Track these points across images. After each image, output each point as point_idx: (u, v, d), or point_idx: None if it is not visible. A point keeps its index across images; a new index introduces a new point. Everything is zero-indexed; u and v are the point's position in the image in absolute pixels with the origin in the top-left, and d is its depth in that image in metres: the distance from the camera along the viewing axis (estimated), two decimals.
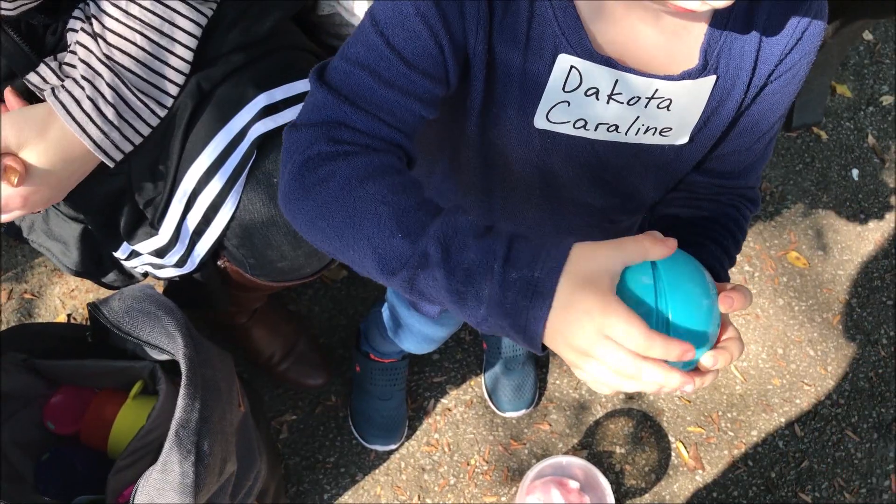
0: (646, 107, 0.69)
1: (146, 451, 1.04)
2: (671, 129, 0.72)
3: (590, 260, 0.56)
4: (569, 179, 0.77)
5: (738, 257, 1.71)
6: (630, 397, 1.60)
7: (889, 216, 1.85)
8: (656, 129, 0.71)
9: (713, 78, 0.68)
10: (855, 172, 1.89)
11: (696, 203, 0.79)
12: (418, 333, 1.19)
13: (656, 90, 0.68)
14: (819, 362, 1.67)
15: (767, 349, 1.67)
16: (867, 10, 1.66)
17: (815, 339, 1.69)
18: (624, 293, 0.57)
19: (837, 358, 1.68)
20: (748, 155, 0.77)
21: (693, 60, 0.68)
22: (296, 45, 1.00)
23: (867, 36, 2.08)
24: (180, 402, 0.91)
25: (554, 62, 0.66)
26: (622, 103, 0.68)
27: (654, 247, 0.57)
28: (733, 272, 1.73)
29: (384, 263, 0.59)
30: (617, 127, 0.71)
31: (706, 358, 0.59)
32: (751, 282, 1.73)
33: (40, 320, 1.54)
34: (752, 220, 1.66)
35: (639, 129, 0.71)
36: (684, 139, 0.73)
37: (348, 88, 0.64)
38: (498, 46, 0.66)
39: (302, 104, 0.68)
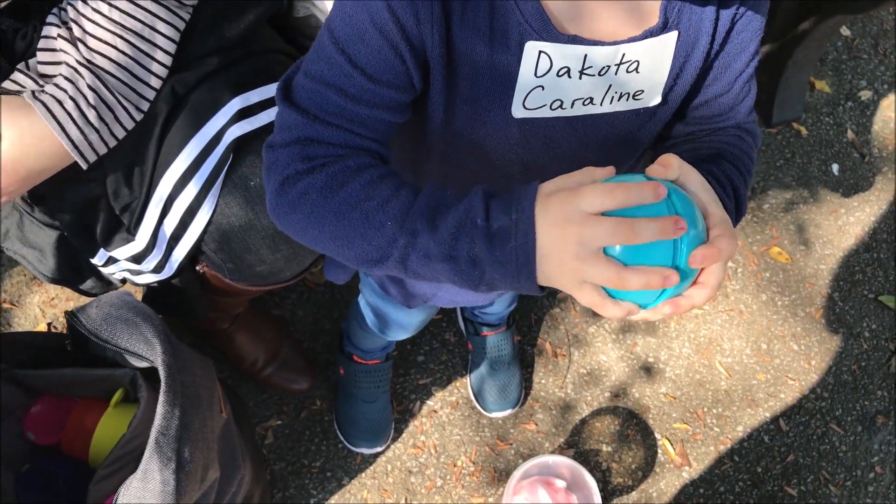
0: (616, 73, 0.69)
1: (128, 460, 1.03)
2: (643, 91, 0.72)
3: (557, 186, 0.60)
4: (548, 163, 0.77)
5: None
6: (615, 395, 1.60)
7: (869, 210, 1.86)
8: (629, 94, 0.72)
9: (675, 34, 0.69)
10: (835, 167, 1.90)
11: (693, 146, 0.79)
12: (393, 322, 1.19)
13: (623, 55, 0.68)
14: (803, 356, 1.68)
15: (751, 344, 1.68)
16: (844, 5, 1.67)
17: (798, 334, 1.70)
18: None
19: (821, 352, 1.68)
20: (729, 97, 0.77)
21: (652, 17, 0.68)
22: (271, 47, 0.99)
23: (845, 31, 2.09)
24: (160, 409, 0.90)
25: (522, 51, 0.66)
26: (593, 76, 0.69)
27: (599, 173, 0.61)
28: None
29: (378, 251, 0.63)
30: (591, 99, 0.71)
31: (694, 257, 0.58)
32: (734, 278, 1.73)
33: (20, 329, 1.52)
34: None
35: (612, 97, 0.71)
36: (657, 100, 0.74)
37: (316, 107, 0.66)
38: (461, 44, 0.66)
39: (276, 110, 0.70)
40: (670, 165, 0.62)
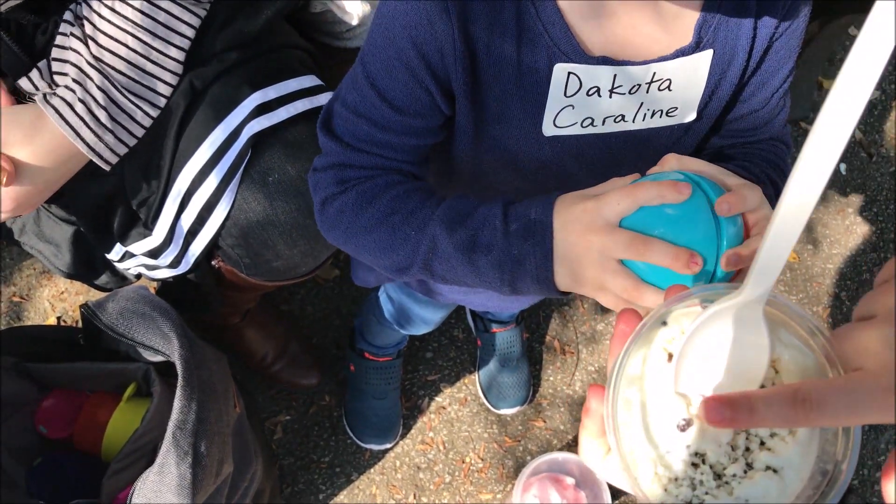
0: (647, 91, 0.69)
1: (141, 454, 1.03)
2: (676, 108, 0.72)
3: (575, 194, 0.61)
4: (582, 178, 0.77)
5: None
6: None
7: (876, 210, 1.87)
8: (662, 111, 0.72)
9: (709, 52, 0.69)
10: (843, 167, 1.90)
11: (728, 158, 0.79)
12: (416, 317, 1.20)
13: (654, 73, 0.68)
14: None
15: None
16: (852, 5, 1.67)
17: None
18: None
19: None
20: (765, 112, 0.77)
21: (683, 36, 0.68)
22: (289, 43, 0.99)
23: (853, 32, 2.09)
24: (177, 403, 0.90)
25: (551, 72, 0.67)
26: (624, 94, 0.69)
27: (620, 180, 0.61)
28: None
29: (404, 260, 0.67)
30: (623, 116, 0.71)
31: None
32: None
33: (29, 323, 1.52)
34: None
35: (645, 114, 0.72)
36: (692, 116, 0.74)
37: (350, 135, 0.71)
38: (488, 73, 0.68)
39: (296, 103, 0.78)
40: (666, 163, 0.62)
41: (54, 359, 1.10)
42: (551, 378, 1.61)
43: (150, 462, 0.92)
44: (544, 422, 1.57)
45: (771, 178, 0.73)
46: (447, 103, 0.70)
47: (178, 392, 0.91)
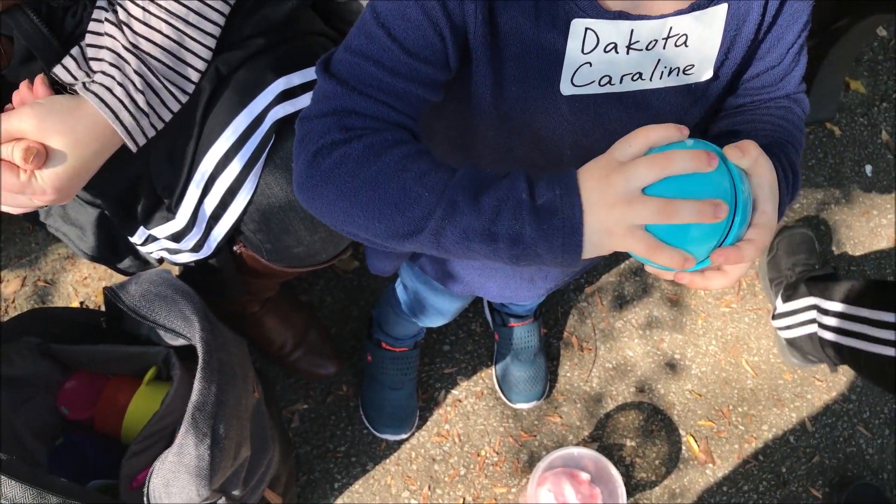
0: (664, 48, 0.69)
1: (160, 437, 1.04)
2: (693, 65, 0.72)
3: (599, 161, 0.61)
4: (598, 141, 0.77)
5: (758, 285, 1.69)
6: (641, 390, 1.60)
7: None
8: (679, 68, 0.72)
9: (724, 6, 0.69)
10: (868, 168, 1.88)
11: (744, 118, 0.79)
12: (431, 307, 1.19)
13: (671, 28, 0.68)
14: None
15: (779, 344, 1.66)
16: (881, 5, 1.65)
17: None
18: None
19: None
20: (781, 68, 0.77)
21: None
22: (314, 30, 1.00)
23: (881, 32, 2.07)
24: (197, 384, 0.91)
25: (568, 29, 0.67)
26: (641, 50, 0.69)
27: (660, 131, 0.61)
28: None
29: (412, 223, 0.62)
30: (640, 74, 0.71)
31: (716, 256, 0.60)
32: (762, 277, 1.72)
33: (54, 307, 1.54)
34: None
35: (662, 72, 0.72)
36: (708, 74, 0.74)
37: (354, 78, 0.67)
38: (506, 24, 0.67)
39: None
40: (748, 153, 0.62)
41: (77, 341, 1.11)
42: (568, 374, 1.60)
43: (169, 445, 0.93)
44: (560, 417, 1.56)
45: (794, 168, 0.73)
46: (457, 56, 0.68)
47: (199, 374, 0.92)
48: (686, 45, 0.70)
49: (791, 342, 1.59)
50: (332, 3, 1.07)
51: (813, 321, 1.50)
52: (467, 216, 0.60)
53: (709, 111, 0.79)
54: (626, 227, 0.59)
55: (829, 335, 1.45)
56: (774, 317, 1.61)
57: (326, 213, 0.67)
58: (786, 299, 1.58)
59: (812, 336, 1.51)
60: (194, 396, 0.91)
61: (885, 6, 1.65)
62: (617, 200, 0.58)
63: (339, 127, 0.65)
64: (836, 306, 1.44)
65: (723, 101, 0.80)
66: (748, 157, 0.62)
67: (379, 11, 0.66)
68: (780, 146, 0.73)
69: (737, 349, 1.65)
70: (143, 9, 0.85)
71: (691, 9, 0.68)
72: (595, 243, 0.60)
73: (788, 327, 1.57)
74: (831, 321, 1.45)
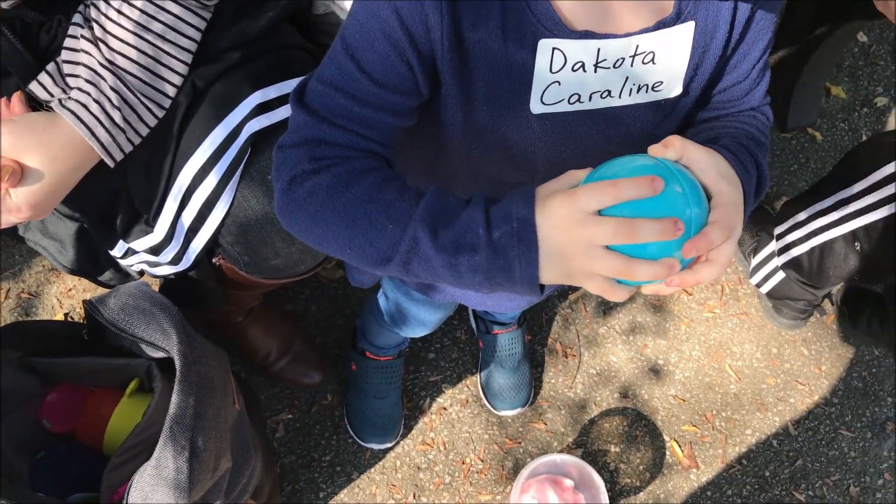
0: (632, 65, 0.70)
1: (141, 449, 1.04)
2: (662, 82, 0.73)
3: (553, 189, 0.62)
4: (570, 158, 0.78)
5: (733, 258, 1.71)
6: (625, 396, 1.60)
7: None
8: (648, 85, 0.73)
9: (691, 24, 0.70)
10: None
11: (711, 128, 0.80)
12: (413, 318, 1.20)
13: (637, 46, 0.69)
14: (813, 361, 1.68)
15: (762, 348, 1.68)
16: (860, 11, 1.67)
17: (809, 339, 1.70)
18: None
19: (831, 357, 1.68)
20: (746, 83, 0.79)
21: (664, 8, 0.69)
22: (291, 43, 1.00)
23: (862, 38, 2.09)
24: (174, 397, 0.92)
25: (536, 49, 0.68)
26: (608, 68, 0.70)
27: (577, 173, 0.63)
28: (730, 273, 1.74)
29: (380, 253, 0.65)
30: (609, 92, 0.72)
31: (686, 250, 0.60)
32: (745, 281, 1.73)
33: (38, 319, 1.54)
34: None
35: (630, 89, 0.73)
36: (678, 90, 0.75)
37: (325, 109, 0.69)
38: (475, 47, 0.68)
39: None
40: (672, 145, 0.63)
41: (59, 354, 1.11)
42: (553, 380, 1.61)
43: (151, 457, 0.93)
44: (545, 424, 1.57)
45: (756, 160, 0.73)
46: (427, 82, 0.70)
47: (176, 386, 0.92)
48: (654, 63, 0.71)
49: (773, 295, 1.62)
50: (311, 15, 1.08)
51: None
52: (429, 252, 0.63)
53: (680, 126, 0.80)
54: (585, 248, 0.60)
55: (793, 251, 1.50)
56: (751, 274, 1.66)
57: (304, 237, 0.71)
58: (754, 253, 1.64)
59: (786, 278, 1.56)
60: (172, 409, 0.91)
61: (864, 13, 1.67)
62: (572, 224, 0.60)
63: (309, 157, 0.68)
64: (785, 225, 1.51)
65: (694, 116, 0.81)
66: (671, 148, 0.63)
67: (348, 42, 0.68)
68: (736, 139, 0.74)
69: (720, 354, 1.66)
70: (119, 25, 0.85)
71: (657, 27, 0.69)
72: (557, 267, 0.61)
73: (765, 279, 1.61)
74: (790, 237, 1.50)
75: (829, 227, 1.40)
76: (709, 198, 0.63)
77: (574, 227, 0.59)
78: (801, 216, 1.47)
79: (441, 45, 0.67)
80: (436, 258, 0.63)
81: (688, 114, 0.79)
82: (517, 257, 0.61)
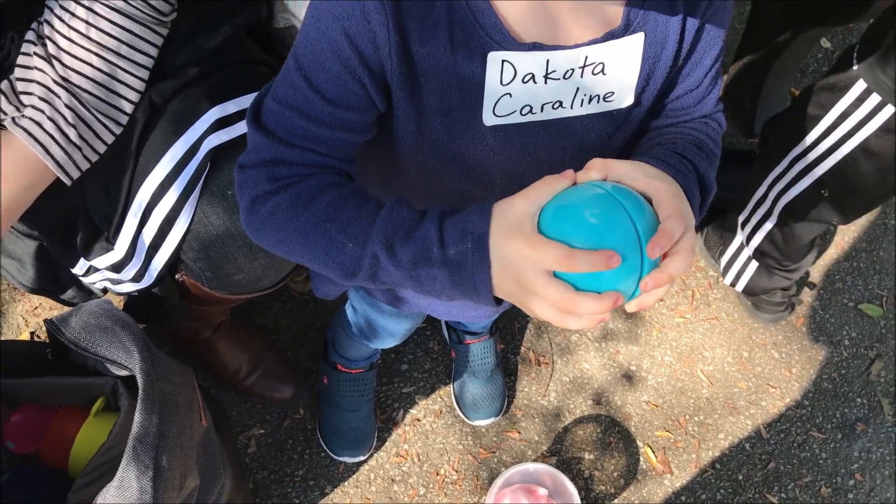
0: (581, 76, 0.71)
1: (108, 468, 1.03)
2: (613, 92, 0.74)
3: (509, 213, 0.63)
4: (527, 169, 0.78)
5: (703, 262, 1.73)
6: (598, 402, 1.61)
7: None
8: (599, 96, 0.73)
9: (641, 35, 0.71)
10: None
11: (662, 136, 0.81)
12: (381, 328, 1.20)
13: (586, 57, 0.70)
14: (784, 364, 1.69)
15: (733, 353, 1.69)
16: (822, 18, 1.70)
17: (779, 342, 1.71)
18: (549, 225, 0.62)
19: (801, 360, 1.70)
20: (698, 91, 0.79)
21: (613, 20, 0.70)
22: (250, 57, 1.00)
23: (825, 44, 2.12)
24: (137, 416, 0.91)
25: (485, 61, 0.68)
26: (559, 79, 0.70)
27: (557, 182, 0.63)
28: (697, 276, 1.75)
29: (345, 269, 0.67)
30: (561, 102, 0.73)
31: (651, 248, 0.60)
32: (715, 286, 1.75)
33: (2, 339, 1.52)
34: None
35: (582, 99, 0.73)
36: (629, 100, 0.75)
37: (281, 129, 0.70)
38: (424, 61, 0.68)
39: None
40: (593, 167, 0.65)
41: (23, 374, 1.10)
42: (526, 389, 1.61)
43: None
44: (519, 433, 1.57)
45: (696, 168, 0.74)
46: (381, 98, 0.70)
47: (139, 405, 0.91)
48: (604, 73, 0.71)
49: (749, 291, 1.64)
50: (271, 29, 1.08)
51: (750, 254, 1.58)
52: (390, 267, 0.64)
53: (633, 135, 0.81)
54: (533, 270, 0.60)
55: (761, 231, 1.53)
56: (723, 273, 1.68)
57: (275, 252, 0.72)
58: (722, 254, 1.66)
59: (759, 267, 1.58)
60: (135, 428, 0.90)
61: (826, 20, 1.69)
62: (523, 244, 0.61)
63: (268, 178, 0.69)
64: (747, 209, 1.54)
65: (647, 125, 0.82)
66: (593, 169, 0.64)
67: (301, 62, 0.69)
68: (670, 148, 0.74)
69: (692, 359, 1.67)
70: (73, 42, 0.85)
71: (605, 38, 0.69)
72: (509, 286, 0.63)
73: (737, 276, 1.64)
74: (755, 217, 1.53)
75: (790, 187, 1.43)
76: (649, 202, 0.63)
77: (525, 248, 0.61)
78: (761, 191, 1.49)
79: (390, 61, 0.67)
80: (396, 273, 0.65)
81: (641, 123, 0.80)
82: (471, 276, 0.63)
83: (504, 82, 0.69)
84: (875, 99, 1.25)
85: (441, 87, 0.70)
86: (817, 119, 1.34)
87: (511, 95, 0.71)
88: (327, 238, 0.66)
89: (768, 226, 1.50)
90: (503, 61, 0.68)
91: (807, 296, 1.77)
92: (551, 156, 0.77)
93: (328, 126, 0.69)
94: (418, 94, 0.71)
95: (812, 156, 1.37)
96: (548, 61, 0.69)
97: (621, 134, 0.79)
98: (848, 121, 1.29)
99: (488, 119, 0.72)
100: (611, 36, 0.69)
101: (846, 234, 1.86)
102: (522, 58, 0.68)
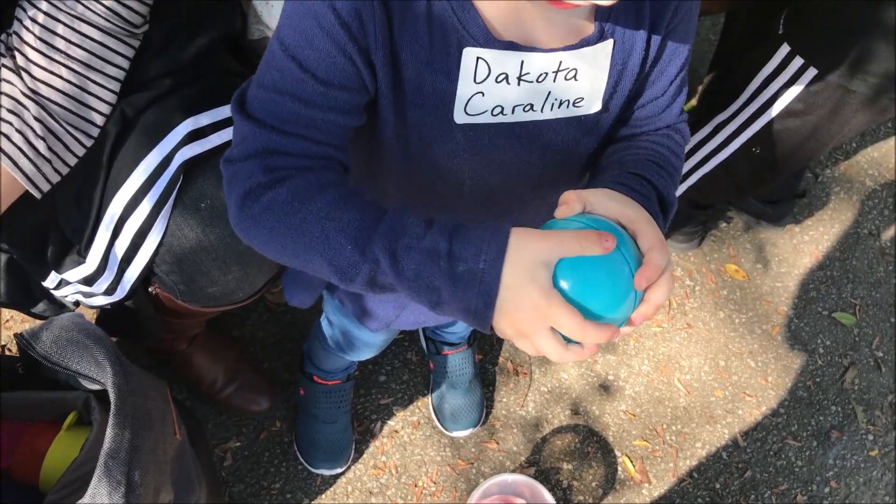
0: (554, 81, 0.71)
1: (80, 484, 1.01)
2: (583, 98, 0.74)
3: (529, 250, 0.61)
4: (494, 172, 0.78)
5: (679, 272, 1.74)
6: (576, 412, 1.61)
7: (822, 229, 1.91)
8: (569, 101, 0.74)
9: (610, 42, 0.71)
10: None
11: (627, 148, 0.81)
12: (357, 340, 1.19)
13: (560, 62, 0.70)
14: (760, 373, 1.70)
15: (710, 361, 1.70)
16: None
17: (755, 351, 1.73)
18: (566, 285, 0.62)
19: (777, 368, 1.71)
20: (664, 99, 0.80)
21: (587, 27, 0.71)
22: (224, 69, 1.00)
23: None
24: (109, 431, 0.90)
25: (460, 57, 0.68)
26: (532, 82, 0.71)
27: (593, 246, 0.61)
28: (676, 287, 1.76)
29: (342, 273, 0.64)
30: (532, 105, 0.73)
31: (639, 281, 0.63)
32: (692, 295, 1.76)
33: None
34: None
35: (552, 104, 0.73)
36: (598, 106, 0.76)
37: (272, 116, 0.66)
38: (402, 49, 0.68)
39: (230, 129, 0.70)
40: (570, 201, 0.65)
41: None
42: (504, 399, 1.61)
43: None
44: (497, 443, 1.57)
45: (658, 189, 0.75)
46: (370, 77, 0.68)
47: (111, 420, 0.90)
48: (576, 79, 0.72)
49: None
50: (244, 40, 1.07)
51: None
52: (390, 274, 0.62)
53: (600, 142, 0.82)
54: (541, 326, 0.60)
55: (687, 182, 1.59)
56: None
57: (264, 251, 0.68)
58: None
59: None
60: (106, 444, 0.89)
61: None
62: (539, 299, 0.60)
63: (262, 169, 0.65)
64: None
65: (615, 132, 0.83)
66: (571, 203, 0.65)
67: (286, 43, 0.66)
68: (628, 167, 0.76)
69: (669, 368, 1.68)
70: (43, 53, 0.84)
71: (581, 44, 0.70)
72: (504, 326, 0.62)
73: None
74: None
75: (718, 151, 1.49)
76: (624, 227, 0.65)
77: (540, 308, 0.60)
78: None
79: (375, 40, 0.66)
80: (396, 280, 0.62)
81: (609, 130, 0.81)
82: (476, 296, 0.61)
83: (477, 80, 0.69)
84: (798, 62, 1.30)
85: (416, 78, 0.69)
86: (743, 85, 1.40)
87: (483, 94, 0.71)
88: (325, 238, 0.63)
89: (692, 180, 1.56)
90: (478, 58, 0.68)
91: (782, 304, 1.79)
92: (519, 158, 0.78)
93: (321, 108, 0.66)
94: (398, 81, 0.70)
95: (738, 122, 1.45)
96: (522, 62, 0.69)
97: (589, 140, 0.80)
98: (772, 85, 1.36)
99: (459, 117, 0.72)
100: (585, 43, 0.70)
101: (820, 244, 1.88)
102: (497, 56, 0.68)
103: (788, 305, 1.79)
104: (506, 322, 0.62)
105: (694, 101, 2.02)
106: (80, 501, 0.89)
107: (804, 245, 1.87)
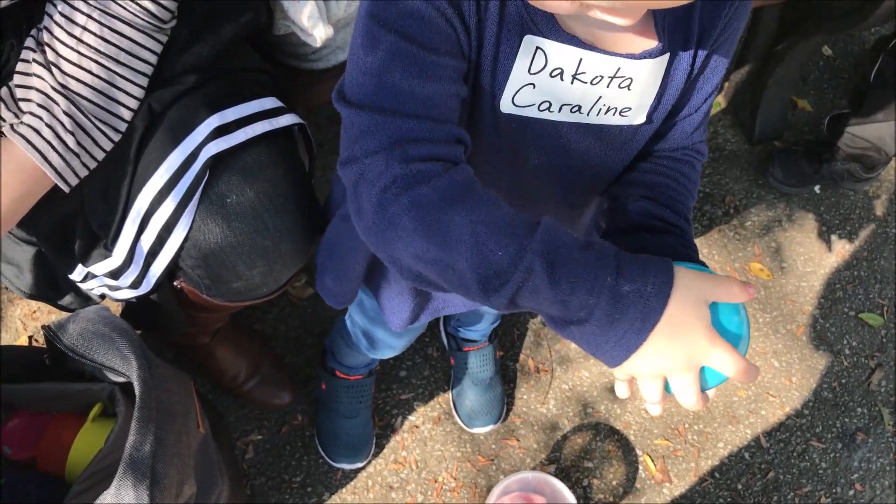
0: (608, 86, 0.70)
1: (104, 475, 1.02)
2: (630, 108, 0.73)
3: (693, 288, 0.61)
4: (534, 166, 0.78)
5: None
6: (597, 411, 1.60)
7: (850, 228, 1.88)
8: (616, 108, 0.73)
9: (667, 56, 0.71)
10: (816, 186, 1.91)
11: (653, 168, 0.81)
12: (380, 341, 1.19)
13: (618, 69, 0.69)
14: (784, 373, 1.69)
15: None
16: (823, 26, 1.69)
17: (779, 351, 1.71)
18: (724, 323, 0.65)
19: (801, 369, 1.69)
20: (696, 116, 0.80)
21: (651, 39, 0.69)
22: (249, 65, 1.00)
23: (826, 51, 2.12)
24: (134, 424, 0.90)
25: (521, 44, 0.67)
26: (585, 83, 0.69)
27: (741, 292, 0.63)
28: None
29: (486, 282, 0.60)
30: (580, 108, 0.72)
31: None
32: None
33: (0, 343, 1.52)
34: (715, 226, 1.69)
35: (600, 109, 0.72)
36: (641, 119, 0.75)
37: (389, 100, 0.63)
38: (484, 22, 0.66)
39: (255, 125, 0.70)
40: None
41: (20, 379, 1.09)
42: (525, 397, 1.61)
43: None
44: (518, 441, 1.56)
45: (689, 223, 0.78)
46: (468, 43, 0.65)
47: (136, 413, 0.91)
48: (629, 89, 0.71)
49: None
50: (270, 36, 1.07)
51: None
52: (542, 285, 0.59)
53: (636, 153, 0.81)
54: (693, 363, 0.61)
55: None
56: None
57: (399, 254, 0.64)
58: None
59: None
60: (131, 437, 0.90)
61: (826, 28, 1.69)
62: (703, 333, 0.61)
63: (399, 159, 0.61)
64: None
65: (651, 145, 0.82)
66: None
67: (383, 17, 0.63)
68: (676, 202, 0.77)
69: None
70: (73, 49, 0.84)
71: (643, 56, 0.69)
72: (650, 352, 0.61)
73: None
74: None
75: None
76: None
77: (701, 343, 0.61)
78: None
79: (468, 3, 0.64)
80: (547, 292, 0.59)
81: (647, 142, 0.80)
82: (635, 318, 0.59)
83: (532, 71, 0.68)
84: None
85: (480, 59, 0.67)
86: None
87: (534, 87, 0.69)
88: (474, 242, 0.59)
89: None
90: (537, 48, 0.67)
91: (807, 304, 1.76)
92: (558, 157, 0.77)
93: (434, 78, 0.63)
94: (476, 52, 0.67)
95: None
96: (581, 60, 0.68)
97: (628, 148, 0.79)
98: None
99: (505, 106, 0.71)
100: (647, 55, 0.69)
101: (846, 243, 1.85)
102: (557, 49, 0.67)
103: (814, 305, 1.77)
104: (650, 356, 0.60)
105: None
106: (105, 492, 0.90)
107: (830, 244, 1.85)
